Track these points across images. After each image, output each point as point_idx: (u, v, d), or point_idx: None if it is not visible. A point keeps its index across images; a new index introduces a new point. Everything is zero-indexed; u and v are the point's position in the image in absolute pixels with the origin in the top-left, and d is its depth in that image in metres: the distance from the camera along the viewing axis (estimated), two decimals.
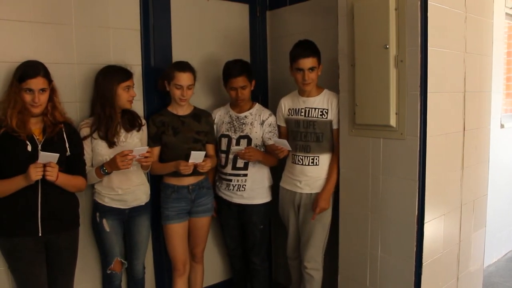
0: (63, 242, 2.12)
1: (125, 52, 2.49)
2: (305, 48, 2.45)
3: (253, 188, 2.65)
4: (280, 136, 2.67)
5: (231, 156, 2.64)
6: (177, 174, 2.41)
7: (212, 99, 2.95)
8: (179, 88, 2.44)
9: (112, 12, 2.43)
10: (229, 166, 2.65)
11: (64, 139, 2.10)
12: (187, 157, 2.38)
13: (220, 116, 2.72)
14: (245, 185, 2.64)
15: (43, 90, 1.99)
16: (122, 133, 2.36)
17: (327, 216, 2.51)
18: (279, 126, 2.68)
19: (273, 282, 3.23)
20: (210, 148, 2.64)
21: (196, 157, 2.34)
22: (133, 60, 2.52)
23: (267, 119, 2.64)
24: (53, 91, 2.07)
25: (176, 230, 2.51)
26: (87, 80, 2.34)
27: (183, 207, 2.51)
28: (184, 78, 2.44)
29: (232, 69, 2.60)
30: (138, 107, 2.54)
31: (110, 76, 2.29)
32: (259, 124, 2.64)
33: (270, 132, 2.64)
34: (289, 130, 2.62)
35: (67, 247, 2.15)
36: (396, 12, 2.02)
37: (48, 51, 2.22)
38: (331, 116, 2.47)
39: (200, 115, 2.60)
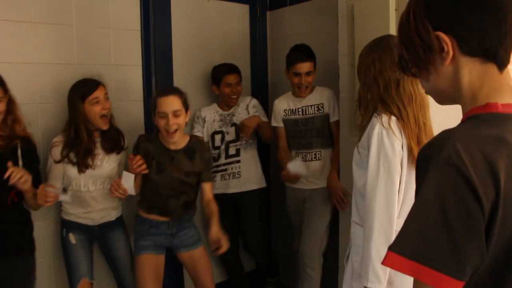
0: (11, 269, 1.91)
1: (125, 52, 2.49)
2: (302, 52, 2.49)
3: (247, 174, 2.73)
4: (278, 134, 2.67)
5: (223, 147, 2.70)
6: (157, 210, 2.21)
7: (212, 100, 2.95)
8: (164, 117, 2.07)
9: (112, 12, 2.44)
10: (223, 156, 2.71)
11: (18, 157, 1.89)
12: (167, 201, 2.19)
13: (210, 114, 2.74)
14: (240, 172, 2.71)
15: None
16: (100, 154, 2.16)
17: (327, 212, 2.53)
18: (276, 127, 2.68)
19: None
20: (207, 188, 2.29)
21: (127, 179, 2.05)
22: (133, 60, 2.53)
23: (250, 102, 2.75)
24: (12, 103, 1.90)
25: (150, 261, 2.20)
26: None
27: (161, 240, 2.26)
28: (167, 103, 2.07)
29: (226, 67, 2.70)
30: (138, 109, 2.55)
31: (73, 93, 2.08)
32: (244, 110, 2.73)
33: (255, 112, 2.72)
34: (287, 130, 2.64)
35: (17, 274, 1.93)
36: (396, 13, 2.02)
37: (49, 51, 2.22)
38: (327, 109, 2.52)
39: (194, 150, 2.23)
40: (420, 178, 0.70)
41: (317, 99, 2.54)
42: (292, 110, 2.59)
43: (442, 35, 0.74)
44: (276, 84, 3.18)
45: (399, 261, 0.67)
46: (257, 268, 3.10)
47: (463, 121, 0.76)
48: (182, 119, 2.12)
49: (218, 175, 2.72)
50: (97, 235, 2.24)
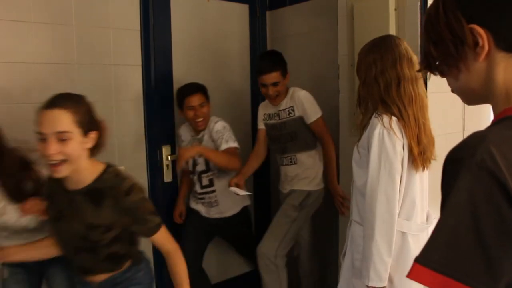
0: None
1: (125, 53, 2.49)
2: (267, 63, 2.43)
3: (225, 201, 2.56)
4: (257, 137, 2.67)
5: (196, 177, 2.55)
6: (73, 264, 1.64)
7: (214, 102, 2.95)
8: (42, 140, 1.38)
9: (112, 12, 2.44)
10: (198, 185, 2.56)
11: None
12: (76, 255, 1.56)
13: (185, 134, 2.59)
14: (217, 200, 2.55)
15: None
16: (2, 201, 1.65)
17: (291, 210, 2.47)
18: (258, 130, 2.67)
19: None
20: (157, 241, 1.56)
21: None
22: (133, 60, 2.53)
23: (213, 128, 2.46)
24: None
25: None
26: (87, 81, 2.35)
27: None
28: (48, 121, 1.37)
29: (187, 87, 2.47)
30: (138, 109, 2.55)
31: None
32: (209, 137, 2.48)
33: (218, 138, 2.44)
34: (268, 134, 2.63)
35: None
36: (396, 13, 2.03)
37: (48, 51, 2.22)
38: (299, 112, 2.44)
39: (102, 193, 1.45)
40: (449, 182, 0.64)
41: (288, 102, 2.47)
42: (270, 115, 2.57)
43: (477, 28, 0.67)
44: None
45: (426, 274, 0.61)
46: (256, 269, 3.10)
47: (495, 122, 0.70)
48: (73, 146, 1.39)
49: (199, 201, 2.60)
50: (39, 271, 1.89)
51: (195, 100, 2.42)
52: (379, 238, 1.52)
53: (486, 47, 0.68)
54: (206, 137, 2.48)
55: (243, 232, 2.72)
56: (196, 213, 2.63)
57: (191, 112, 2.43)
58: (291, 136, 2.49)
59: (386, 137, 1.53)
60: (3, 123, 2.10)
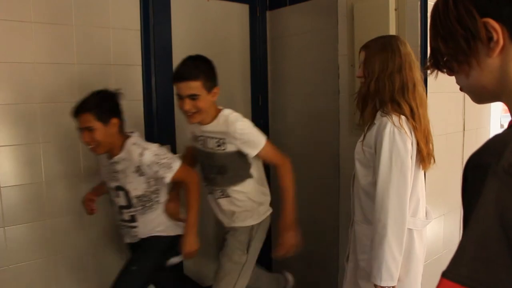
0: None
1: (125, 52, 2.49)
2: (186, 68, 1.91)
3: (148, 233, 2.10)
4: (185, 153, 2.29)
5: (116, 209, 2.11)
6: None
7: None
8: None
9: (112, 12, 2.44)
10: (118, 217, 2.13)
11: None
12: None
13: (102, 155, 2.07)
14: (137, 235, 2.11)
15: None
16: None
17: (238, 253, 2.06)
18: (186, 146, 2.31)
19: None
20: None
21: None
22: (133, 60, 2.53)
23: (141, 161, 1.93)
24: None
25: None
26: (87, 81, 2.35)
27: None
28: None
29: (75, 106, 1.94)
30: (138, 108, 2.54)
31: None
32: (134, 172, 1.97)
33: (157, 171, 1.95)
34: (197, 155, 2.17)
35: None
36: (396, 12, 2.03)
37: (48, 51, 2.22)
38: (233, 147, 1.97)
39: None
40: (473, 190, 0.60)
41: (217, 132, 1.98)
42: (196, 136, 2.09)
43: (492, 22, 0.64)
44: (276, 84, 3.18)
45: None
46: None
47: None
48: None
49: (121, 229, 2.17)
50: None
51: (80, 122, 1.90)
52: (391, 236, 1.50)
53: (501, 42, 0.64)
54: (121, 166, 1.99)
55: (143, 260, 2.08)
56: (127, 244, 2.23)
57: (81, 135, 1.92)
58: (220, 169, 2.03)
59: (397, 135, 1.52)
60: (3, 123, 2.11)
